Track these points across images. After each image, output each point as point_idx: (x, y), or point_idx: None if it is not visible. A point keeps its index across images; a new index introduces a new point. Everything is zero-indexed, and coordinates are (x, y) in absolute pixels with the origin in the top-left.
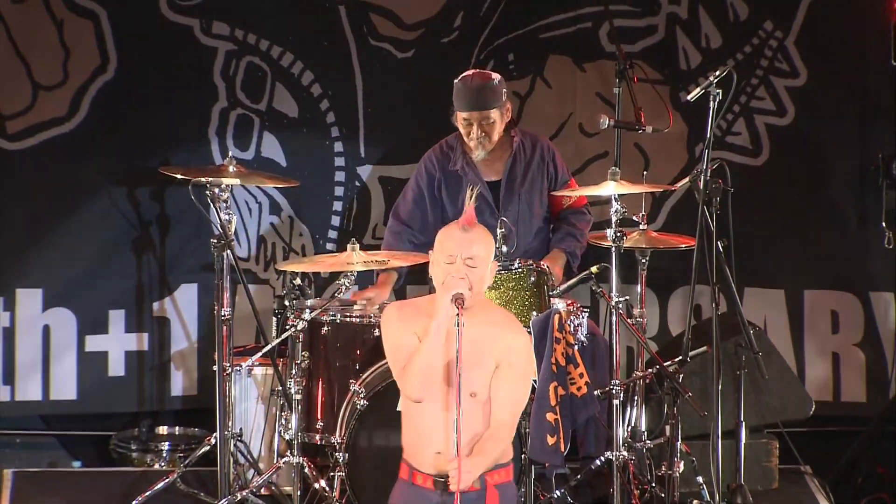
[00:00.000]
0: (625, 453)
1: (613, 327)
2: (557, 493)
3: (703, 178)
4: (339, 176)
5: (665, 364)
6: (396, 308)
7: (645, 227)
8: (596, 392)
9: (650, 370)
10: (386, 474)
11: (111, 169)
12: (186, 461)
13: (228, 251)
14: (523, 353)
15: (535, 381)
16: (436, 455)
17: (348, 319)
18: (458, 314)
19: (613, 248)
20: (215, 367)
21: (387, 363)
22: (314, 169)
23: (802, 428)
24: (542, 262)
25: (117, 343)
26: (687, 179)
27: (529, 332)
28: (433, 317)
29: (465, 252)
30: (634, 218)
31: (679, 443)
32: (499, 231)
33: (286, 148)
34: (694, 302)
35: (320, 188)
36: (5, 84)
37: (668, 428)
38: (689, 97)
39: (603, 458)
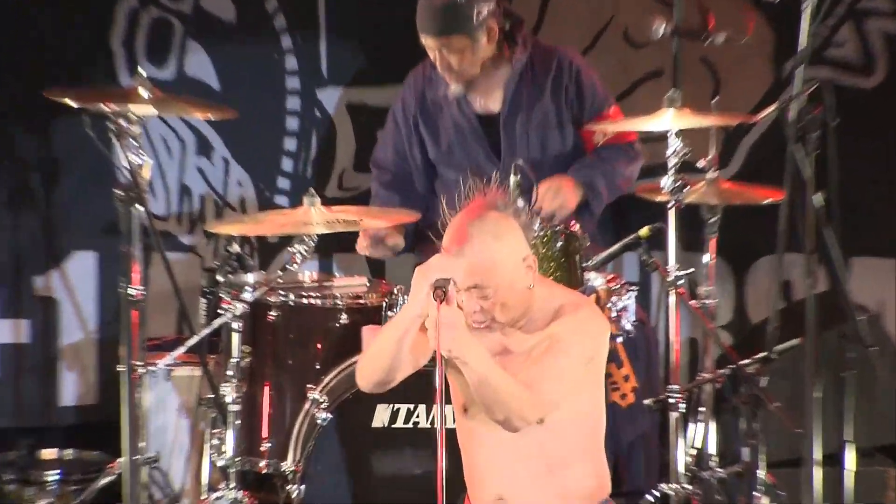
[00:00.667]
0: (687, 486)
1: (671, 312)
2: None
3: (794, 105)
4: (293, 103)
5: (743, 363)
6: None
7: (715, 174)
8: (646, 402)
9: (722, 371)
10: None
11: None
12: (82, 497)
13: (140, 207)
14: (576, 322)
15: None
16: (497, 502)
17: (305, 301)
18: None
19: (671, 204)
20: (121, 367)
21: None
22: (258, 93)
23: None
24: (571, 223)
25: None
26: (773, 108)
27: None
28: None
29: (464, 282)
30: (700, 162)
31: (762, 471)
32: (512, 178)
33: (219, 65)
34: (782, 277)
35: (266, 120)
36: None
37: (746, 451)
38: None
39: (656, 493)
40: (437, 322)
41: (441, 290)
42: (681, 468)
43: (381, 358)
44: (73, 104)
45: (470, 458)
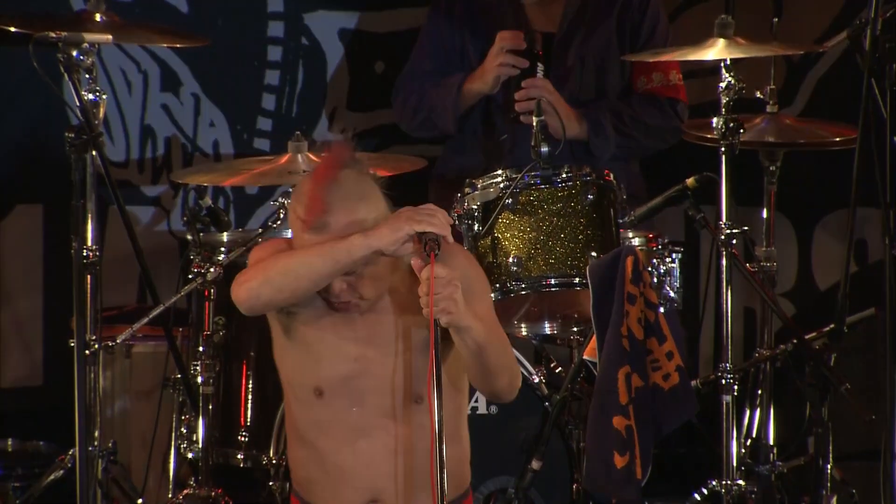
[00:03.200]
0: (741, 482)
1: (722, 277)
2: None
3: (869, 32)
4: (275, 28)
5: (808, 337)
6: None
7: (775, 110)
8: (694, 382)
9: (783, 347)
10: None
11: None
12: (25, 495)
13: (94, 152)
14: (463, 258)
15: (592, 362)
16: None
17: None
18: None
19: (723, 148)
20: (72, 342)
21: None
22: (233, 17)
23: None
24: (606, 171)
25: None
26: (843, 35)
27: (582, 285)
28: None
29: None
30: (758, 96)
31: (830, 465)
32: (534, 119)
33: None
34: (855, 236)
35: (244, 49)
36: None
37: (811, 441)
38: None
39: (705, 491)
40: (432, 280)
41: (435, 244)
42: (734, 462)
43: (297, 280)
44: (17, 31)
45: (327, 455)
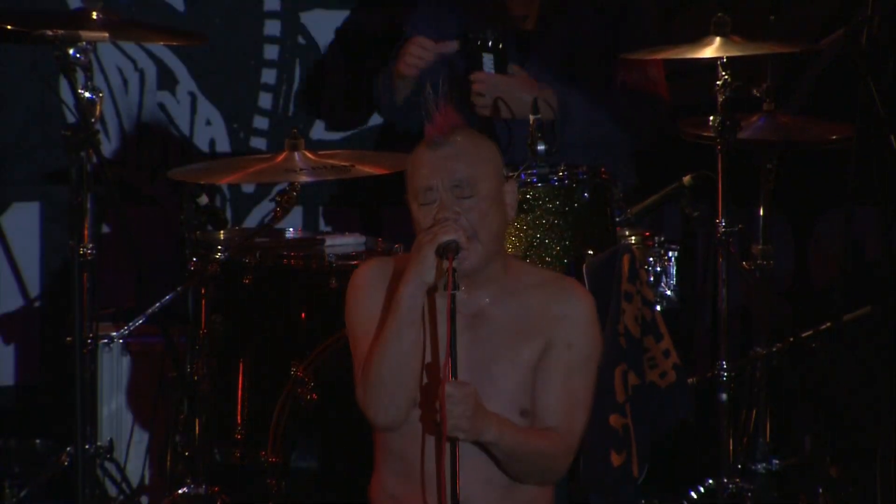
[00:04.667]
0: (738, 480)
1: (719, 275)
2: None
3: (867, 28)
4: (272, 27)
5: (805, 336)
6: (374, 266)
7: (771, 108)
8: (691, 380)
9: (779, 345)
10: None
11: None
12: (23, 493)
13: (91, 150)
14: (585, 325)
15: None
16: None
17: (287, 262)
18: (448, 274)
19: (719, 145)
20: (70, 339)
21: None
22: (229, 16)
23: None
24: (602, 169)
25: None
26: (841, 32)
27: (581, 281)
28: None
29: (448, 177)
30: (755, 94)
31: (827, 464)
32: (532, 117)
33: None
34: (852, 234)
35: (241, 48)
36: None
37: (807, 440)
38: None
39: (701, 489)
40: (449, 288)
41: (450, 251)
42: (730, 460)
43: (392, 368)
44: (14, 28)
45: (410, 463)
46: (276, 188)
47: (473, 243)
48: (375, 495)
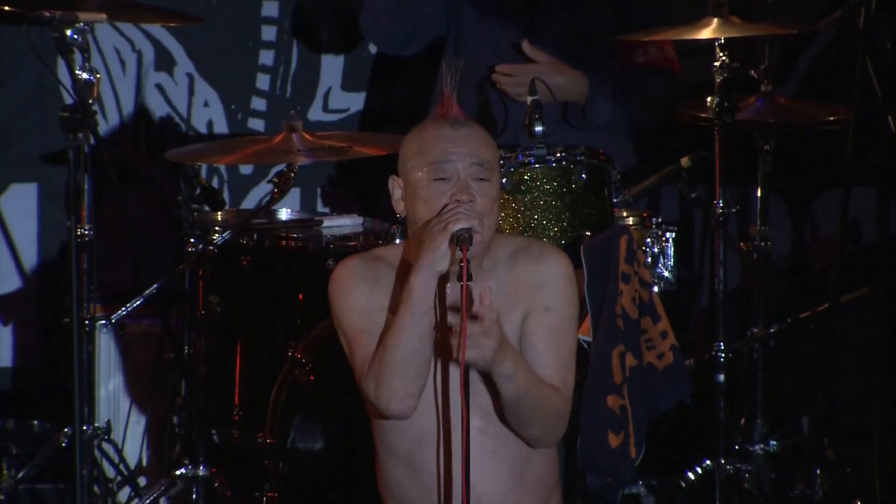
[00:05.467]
0: (735, 461)
1: (717, 256)
2: None
3: (865, 9)
4: (269, 8)
5: (802, 317)
6: (356, 263)
7: (769, 89)
8: (689, 362)
9: (776, 326)
10: (345, 496)
11: None
12: (19, 474)
13: (89, 131)
14: (560, 287)
15: (586, 341)
16: None
17: (285, 244)
18: (461, 264)
19: (717, 126)
20: (67, 320)
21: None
22: None
23: None
24: (600, 151)
25: None
26: (838, 13)
27: (575, 264)
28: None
29: (471, 155)
30: (752, 75)
31: (824, 445)
32: (529, 99)
33: None
34: (849, 215)
35: (238, 28)
36: None
37: (805, 421)
38: None
39: (699, 469)
40: (464, 279)
41: (465, 239)
42: (728, 441)
43: (419, 356)
44: (10, 9)
45: (416, 466)
46: (274, 169)
47: (481, 229)
48: (383, 493)
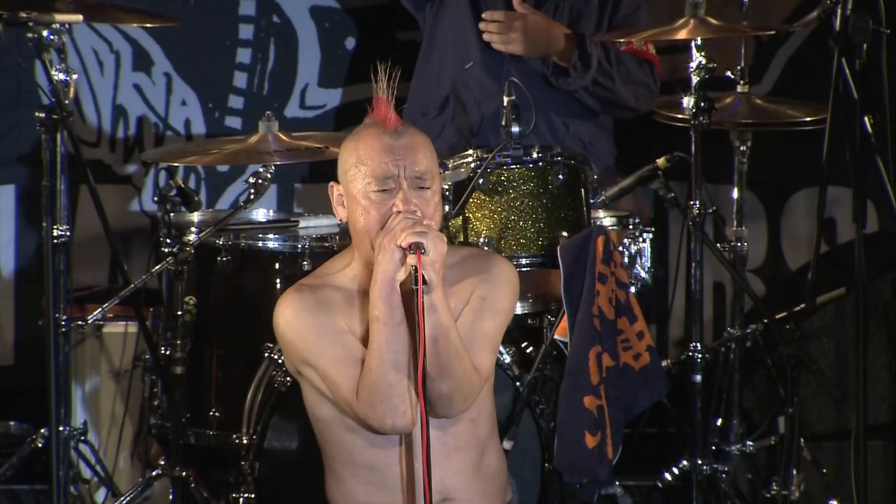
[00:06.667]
0: (712, 462)
1: (693, 257)
2: None
3: (840, 10)
4: (247, 7)
5: (778, 317)
6: (301, 297)
7: (745, 90)
8: (665, 362)
9: (753, 327)
10: (321, 497)
11: None
12: None
13: (65, 132)
14: (500, 282)
15: (563, 342)
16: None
17: (261, 244)
18: (416, 273)
19: (693, 127)
20: (43, 322)
21: None
22: None
23: None
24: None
25: None
26: (814, 14)
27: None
28: (371, 290)
29: (412, 167)
30: (729, 75)
31: (800, 446)
32: (505, 99)
33: None
34: (824, 215)
35: (215, 27)
36: None
37: (781, 421)
38: None
39: (676, 470)
40: (420, 289)
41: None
42: (704, 441)
43: (398, 367)
44: None
45: (381, 471)
46: (250, 168)
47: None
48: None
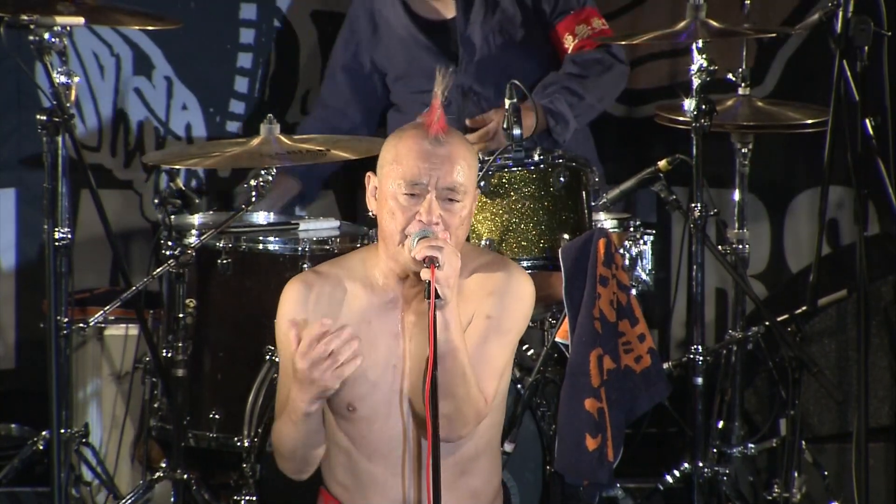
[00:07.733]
0: (713, 464)
1: (694, 259)
2: None
3: (841, 13)
4: (248, 11)
5: (780, 320)
6: (307, 284)
7: (746, 92)
8: (666, 365)
9: (754, 329)
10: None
11: None
12: None
13: (67, 135)
14: (508, 300)
15: (564, 344)
16: None
17: (261, 247)
18: (429, 288)
19: (694, 129)
20: (45, 325)
21: None
22: (206, 0)
23: None
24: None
25: None
26: (815, 17)
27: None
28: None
29: (444, 179)
30: (730, 77)
31: (802, 448)
32: (507, 101)
33: None
34: (826, 217)
35: (216, 32)
36: None
37: (783, 423)
38: None
39: (677, 472)
40: (432, 303)
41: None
42: (705, 444)
43: (313, 443)
44: None
45: (358, 463)
46: (252, 172)
47: (446, 250)
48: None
